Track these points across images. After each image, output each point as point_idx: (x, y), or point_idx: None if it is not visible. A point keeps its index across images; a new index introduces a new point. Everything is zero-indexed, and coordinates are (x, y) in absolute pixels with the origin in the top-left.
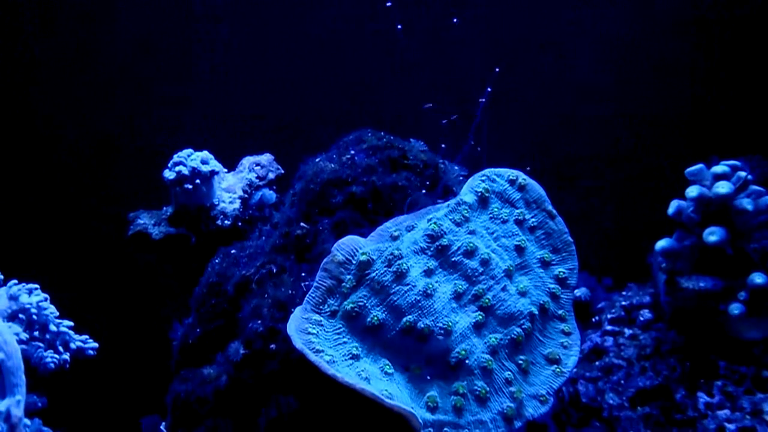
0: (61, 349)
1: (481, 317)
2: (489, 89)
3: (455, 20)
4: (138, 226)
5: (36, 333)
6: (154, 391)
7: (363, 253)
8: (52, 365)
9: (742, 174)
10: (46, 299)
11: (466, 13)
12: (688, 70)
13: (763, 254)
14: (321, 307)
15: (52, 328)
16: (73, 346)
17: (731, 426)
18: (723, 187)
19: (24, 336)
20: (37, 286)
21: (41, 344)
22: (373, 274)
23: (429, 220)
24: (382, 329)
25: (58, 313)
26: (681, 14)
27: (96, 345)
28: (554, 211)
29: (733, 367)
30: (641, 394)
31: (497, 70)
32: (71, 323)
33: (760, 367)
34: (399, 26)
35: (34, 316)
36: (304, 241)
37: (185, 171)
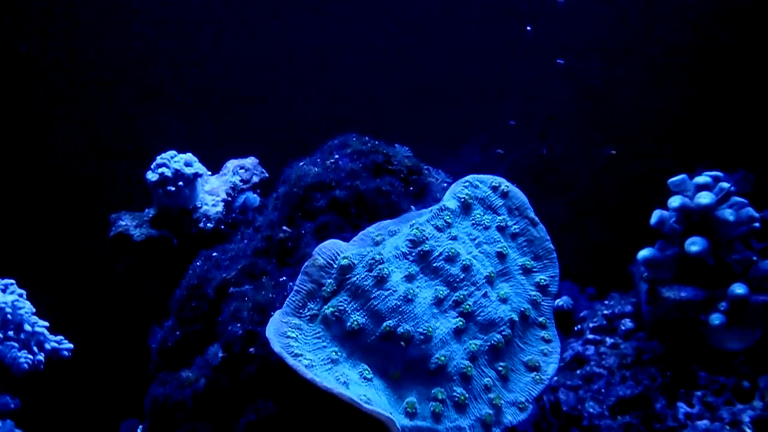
0: (35, 349)
1: (461, 323)
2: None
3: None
4: (119, 227)
5: (10, 332)
6: (133, 394)
7: (344, 258)
8: (25, 366)
9: (725, 185)
10: (21, 296)
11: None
12: (674, 82)
13: (744, 265)
14: (301, 310)
15: (27, 327)
16: (48, 346)
17: None
18: (705, 198)
19: None
20: (13, 281)
21: (15, 344)
22: (354, 279)
23: (411, 225)
24: (362, 334)
25: (34, 311)
26: (670, 26)
27: (71, 346)
28: (536, 219)
29: (713, 377)
30: (621, 403)
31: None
32: (47, 323)
33: (740, 378)
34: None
35: (9, 316)
36: (286, 244)
37: (168, 173)
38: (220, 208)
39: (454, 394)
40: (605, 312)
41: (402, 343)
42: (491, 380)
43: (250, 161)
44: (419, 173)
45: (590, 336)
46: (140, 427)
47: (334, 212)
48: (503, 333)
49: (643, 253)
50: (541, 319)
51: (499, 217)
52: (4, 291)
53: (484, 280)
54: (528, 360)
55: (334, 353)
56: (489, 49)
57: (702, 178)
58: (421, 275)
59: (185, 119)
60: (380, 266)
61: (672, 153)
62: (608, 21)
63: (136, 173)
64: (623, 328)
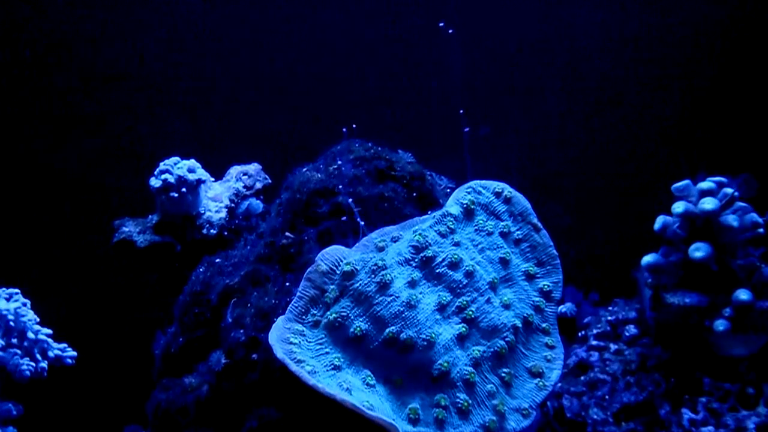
0: (38, 356)
1: (464, 329)
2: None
3: (450, 30)
4: (123, 233)
5: (14, 340)
6: (136, 400)
7: (347, 263)
8: (27, 373)
9: (728, 190)
10: (25, 305)
11: (458, 22)
12: (676, 86)
13: (748, 271)
14: (303, 317)
15: (30, 335)
16: (51, 354)
17: None
18: (709, 204)
19: (0, 342)
20: (17, 291)
21: (18, 351)
22: (357, 285)
23: (414, 231)
24: (365, 340)
25: (38, 320)
26: (669, 32)
27: (75, 354)
28: (539, 224)
29: (717, 383)
30: (626, 409)
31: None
32: (50, 331)
33: (745, 384)
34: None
35: (12, 323)
36: (288, 250)
37: (171, 179)
38: (223, 214)
39: (458, 400)
40: (609, 318)
41: (405, 349)
42: (494, 386)
43: (254, 167)
44: (422, 179)
45: (594, 342)
46: None
47: (336, 218)
48: (506, 339)
49: (647, 258)
50: (544, 325)
51: (502, 223)
52: (8, 300)
53: (487, 286)
54: (531, 366)
55: (336, 359)
56: (492, 55)
57: (706, 184)
58: (424, 281)
59: (188, 125)
60: (383, 272)
61: (676, 158)
62: (610, 22)
63: (140, 179)
64: (627, 334)
